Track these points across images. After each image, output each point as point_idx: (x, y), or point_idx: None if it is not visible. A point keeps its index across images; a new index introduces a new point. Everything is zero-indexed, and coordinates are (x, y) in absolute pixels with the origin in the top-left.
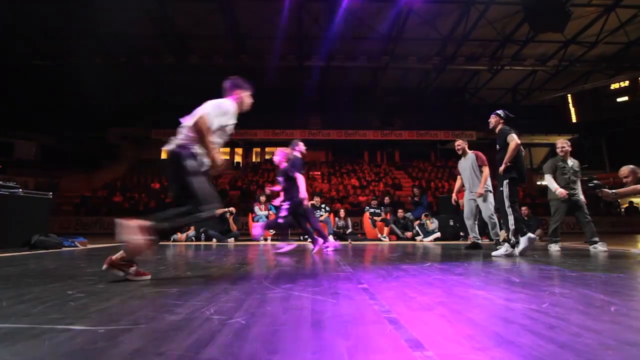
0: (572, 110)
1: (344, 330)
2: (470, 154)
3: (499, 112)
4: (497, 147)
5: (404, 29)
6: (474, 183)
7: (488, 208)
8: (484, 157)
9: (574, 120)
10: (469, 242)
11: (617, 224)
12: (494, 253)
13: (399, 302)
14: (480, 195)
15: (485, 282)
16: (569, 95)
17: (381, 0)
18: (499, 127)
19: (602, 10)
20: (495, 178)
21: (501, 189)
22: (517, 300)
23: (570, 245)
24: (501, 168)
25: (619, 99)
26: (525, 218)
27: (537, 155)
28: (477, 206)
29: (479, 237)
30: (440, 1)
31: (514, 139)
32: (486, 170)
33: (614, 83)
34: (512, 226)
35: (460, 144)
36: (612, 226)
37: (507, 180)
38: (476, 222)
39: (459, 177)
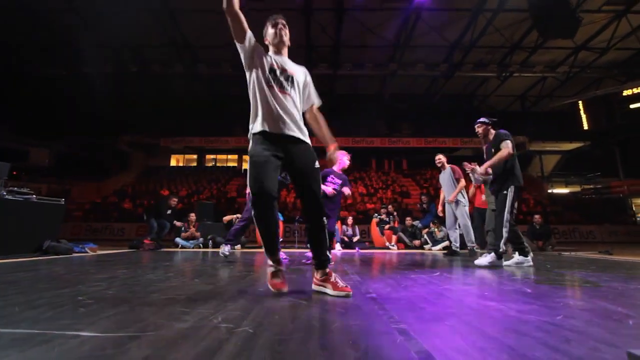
0: (584, 117)
1: (353, 341)
2: (448, 167)
3: (482, 119)
4: (493, 151)
5: (411, 37)
6: (450, 194)
7: (462, 216)
8: (460, 171)
9: (585, 127)
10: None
11: (634, 232)
12: (476, 261)
13: (409, 312)
14: (451, 202)
15: (496, 292)
16: (580, 102)
17: (389, 9)
18: (491, 132)
19: (613, 15)
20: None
21: (505, 192)
22: (530, 312)
23: (586, 254)
24: (482, 169)
25: (632, 106)
26: (537, 226)
27: (548, 163)
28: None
29: (458, 245)
30: (448, 9)
31: (507, 147)
32: (462, 182)
33: (627, 89)
34: (505, 234)
35: (440, 158)
36: (629, 234)
37: (513, 188)
38: (457, 230)
39: (441, 189)
